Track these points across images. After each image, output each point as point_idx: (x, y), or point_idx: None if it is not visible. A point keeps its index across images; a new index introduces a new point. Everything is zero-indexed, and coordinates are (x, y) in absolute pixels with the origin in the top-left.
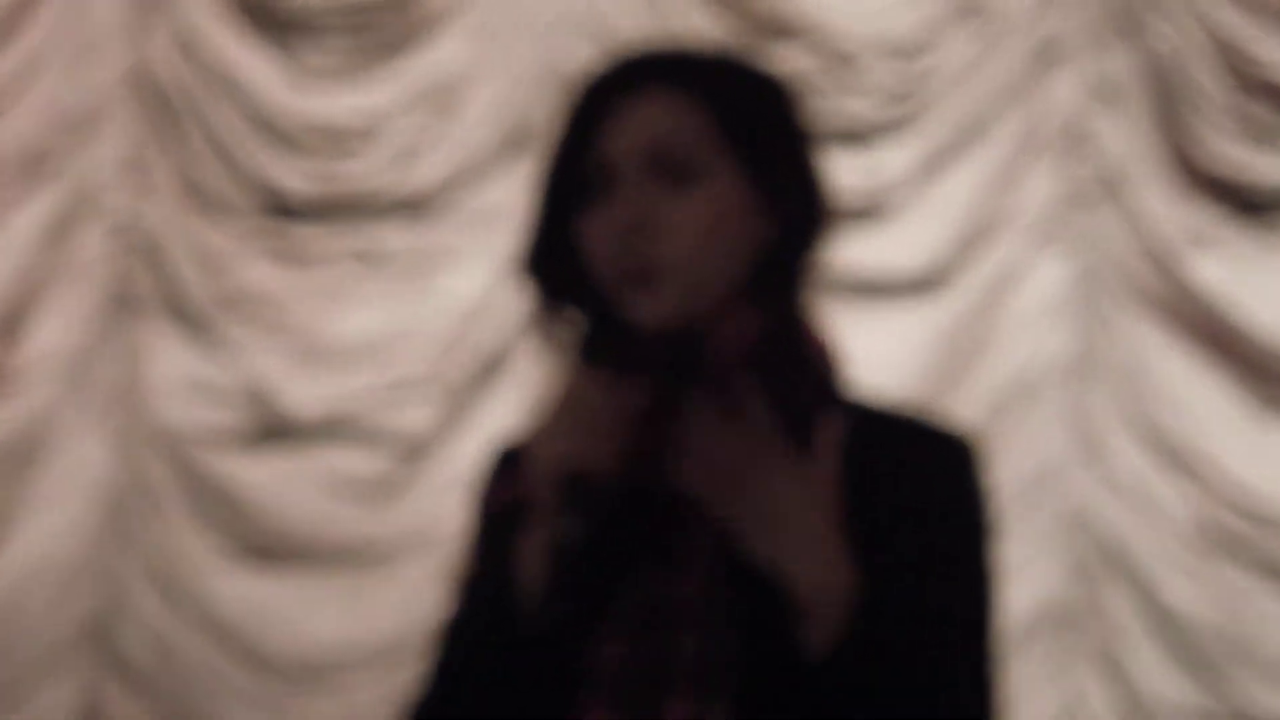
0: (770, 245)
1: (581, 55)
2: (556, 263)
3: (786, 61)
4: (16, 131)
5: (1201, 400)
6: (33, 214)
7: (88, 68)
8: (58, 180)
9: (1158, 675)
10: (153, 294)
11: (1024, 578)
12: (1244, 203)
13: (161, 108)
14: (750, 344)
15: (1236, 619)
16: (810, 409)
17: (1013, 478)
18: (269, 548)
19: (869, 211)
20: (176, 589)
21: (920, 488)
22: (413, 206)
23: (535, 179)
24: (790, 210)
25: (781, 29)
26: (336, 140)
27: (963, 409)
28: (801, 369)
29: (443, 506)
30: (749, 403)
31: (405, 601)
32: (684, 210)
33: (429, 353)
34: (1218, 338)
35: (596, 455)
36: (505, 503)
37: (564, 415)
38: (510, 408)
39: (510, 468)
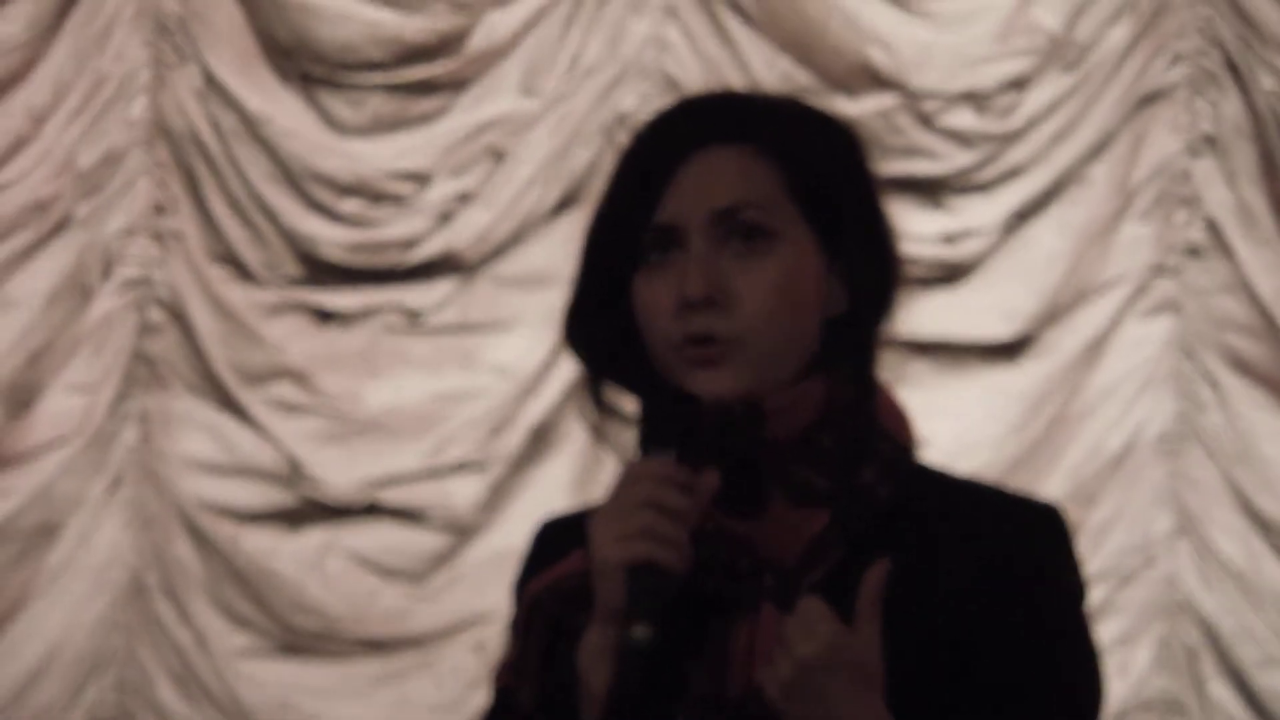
0: (840, 311)
1: (645, 106)
2: (604, 329)
3: (859, 110)
4: (27, 180)
5: None
6: (44, 269)
7: (103, 114)
8: (71, 233)
9: None
10: (174, 358)
11: (1115, 663)
12: None
13: (183, 159)
14: (814, 417)
15: None
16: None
17: (1104, 557)
18: (298, 633)
19: (948, 272)
20: (198, 679)
21: (1006, 559)
22: (457, 269)
23: (583, 236)
24: (862, 274)
25: (859, 79)
26: (373, 197)
27: (1050, 485)
28: (871, 443)
29: (488, 590)
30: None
31: (445, 692)
32: (756, 278)
33: (475, 428)
34: None
35: (665, 546)
36: (558, 582)
37: (627, 502)
38: (561, 485)
39: (555, 543)
